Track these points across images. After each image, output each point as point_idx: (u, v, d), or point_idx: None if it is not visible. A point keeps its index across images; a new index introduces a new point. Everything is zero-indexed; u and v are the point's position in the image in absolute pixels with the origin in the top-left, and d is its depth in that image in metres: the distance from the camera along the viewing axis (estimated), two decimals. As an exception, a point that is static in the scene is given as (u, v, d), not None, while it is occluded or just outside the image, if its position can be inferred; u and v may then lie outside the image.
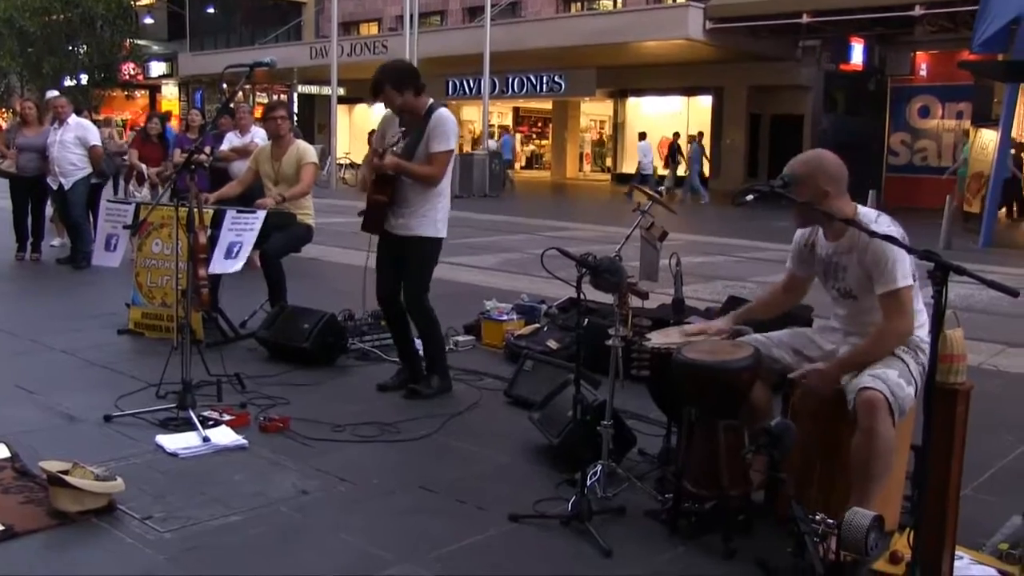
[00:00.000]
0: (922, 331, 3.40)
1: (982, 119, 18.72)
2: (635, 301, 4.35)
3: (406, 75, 4.91)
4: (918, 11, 18.87)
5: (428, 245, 5.01)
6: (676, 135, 25.04)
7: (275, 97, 32.55)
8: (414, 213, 4.95)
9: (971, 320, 7.56)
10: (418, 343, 6.00)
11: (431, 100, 4.98)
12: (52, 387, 5.04)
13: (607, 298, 3.91)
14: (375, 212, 4.97)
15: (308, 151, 6.68)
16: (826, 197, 3.37)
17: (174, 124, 20.30)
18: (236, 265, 5.91)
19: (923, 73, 22.92)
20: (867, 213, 3.43)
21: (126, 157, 11.22)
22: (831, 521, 2.98)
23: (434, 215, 4.98)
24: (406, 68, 5.03)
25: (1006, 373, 6.21)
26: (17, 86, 34.54)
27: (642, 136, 25.43)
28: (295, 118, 27.59)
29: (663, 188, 20.90)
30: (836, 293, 3.55)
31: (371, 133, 5.19)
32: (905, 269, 3.27)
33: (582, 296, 3.63)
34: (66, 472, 3.37)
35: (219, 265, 5.81)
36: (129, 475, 3.63)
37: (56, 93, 10.14)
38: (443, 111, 4.96)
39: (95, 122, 13.37)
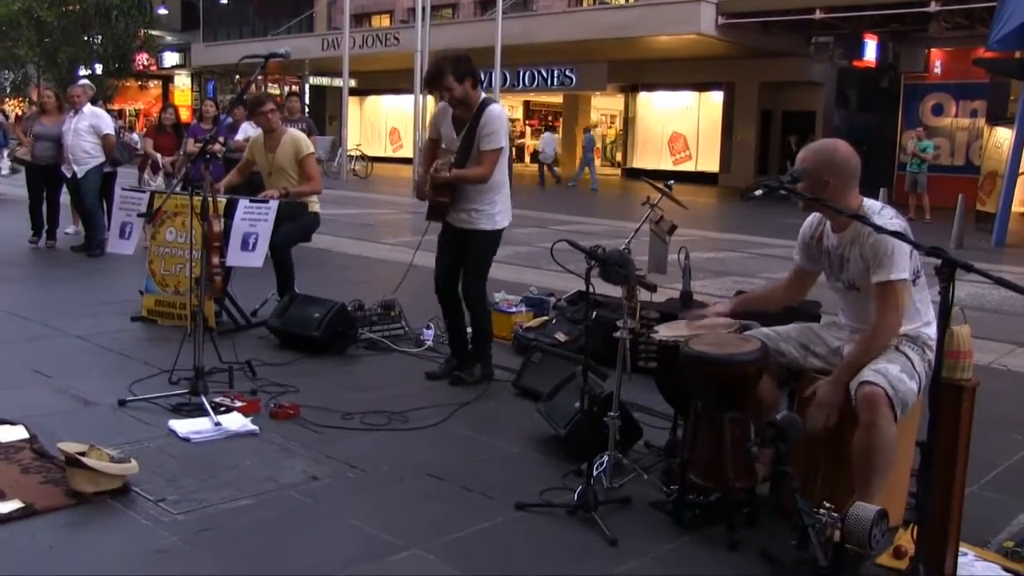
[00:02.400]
0: (929, 328, 3.41)
1: (997, 117, 18.64)
2: (643, 294, 4.38)
3: (466, 64, 4.97)
4: (933, 7, 18.79)
5: (487, 237, 5.18)
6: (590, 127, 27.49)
7: (286, 89, 32.58)
8: (474, 208, 5.11)
9: (982, 319, 7.58)
10: (428, 333, 6.09)
11: (484, 95, 5.08)
12: (68, 372, 5.11)
13: (615, 291, 3.95)
14: (440, 208, 5.15)
15: (303, 142, 6.59)
16: (826, 187, 3.36)
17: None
18: (257, 260, 5.94)
19: (937, 70, 22.82)
20: (872, 205, 3.43)
21: (138, 148, 11.30)
22: (835, 514, 3.01)
23: (492, 209, 5.14)
24: (466, 57, 5.05)
25: (1016, 372, 6.22)
26: (34, 76, 34.74)
27: (548, 128, 27.87)
28: (307, 110, 27.65)
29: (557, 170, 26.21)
30: (841, 286, 3.55)
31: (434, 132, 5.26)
32: (902, 263, 3.27)
33: (591, 288, 3.67)
34: (83, 454, 3.43)
35: (237, 258, 5.86)
36: (143, 458, 3.68)
37: (86, 82, 10.23)
38: (494, 107, 5.05)
39: (109, 112, 13.44)
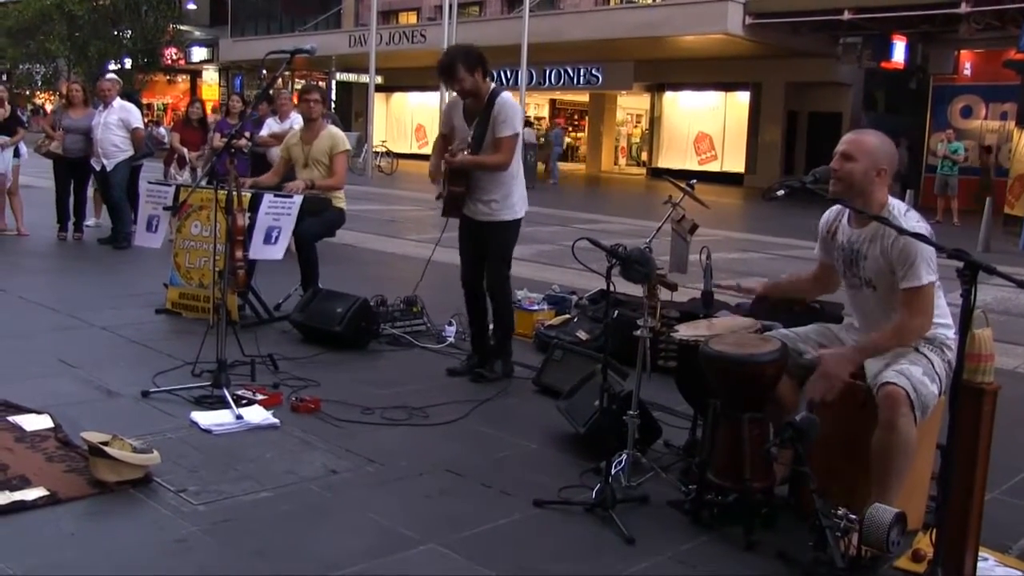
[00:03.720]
0: (949, 330, 3.39)
1: (1028, 120, 18.43)
2: (665, 294, 4.38)
3: (476, 56, 5.01)
4: (964, 8, 18.58)
5: (508, 228, 5.19)
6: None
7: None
8: (492, 199, 5.11)
9: (1008, 323, 7.52)
10: (449, 330, 6.11)
11: (495, 85, 5.10)
12: (92, 362, 5.17)
13: (638, 290, 3.95)
14: (454, 200, 5.14)
15: (340, 138, 6.73)
16: (879, 175, 3.38)
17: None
18: (277, 252, 6.00)
19: (967, 72, 22.57)
20: (897, 205, 3.42)
21: (165, 142, 11.40)
22: (853, 516, 3.01)
23: (511, 199, 5.15)
24: (475, 49, 5.11)
25: (1041, 377, 6.14)
26: (64, 70, 35.14)
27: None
28: (332, 105, 27.76)
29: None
30: (856, 282, 3.53)
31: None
32: (931, 266, 3.27)
33: (612, 287, 3.67)
34: (106, 443, 3.47)
35: (259, 251, 5.91)
36: (165, 449, 3.73)
37: (113, 76, 10.33)
38: (506, 95, 5.06)
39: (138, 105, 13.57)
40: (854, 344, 3.42)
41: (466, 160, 5.02)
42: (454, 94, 5.19)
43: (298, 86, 30.79)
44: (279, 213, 6.01)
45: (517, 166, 5.18)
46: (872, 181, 3.37)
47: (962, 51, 22.20)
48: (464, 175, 5.09)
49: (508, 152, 5.02)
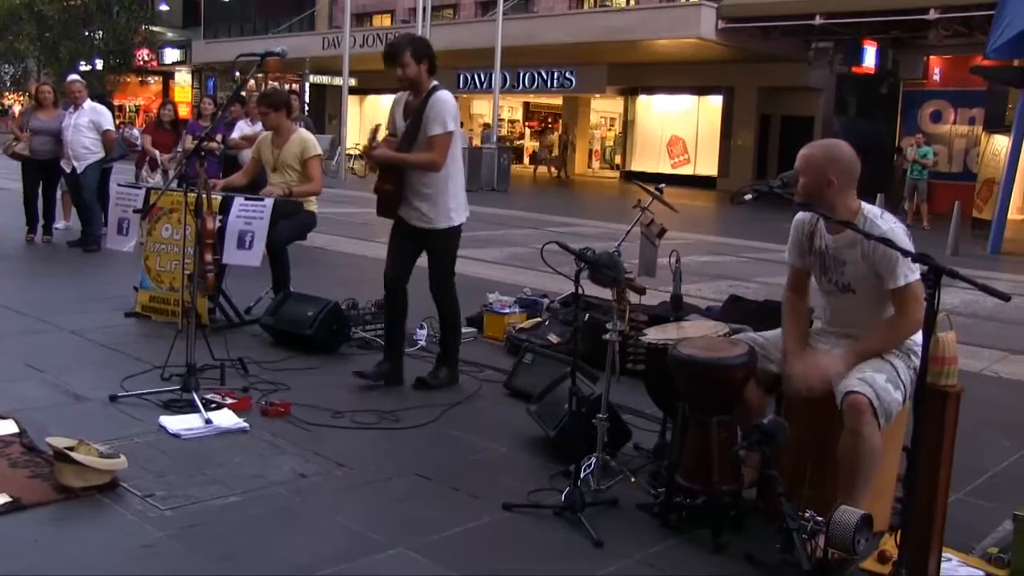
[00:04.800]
0: (917, 334, 3.42)
1: (995, 125, 18.67)
2: (635, 297, 4.40)
3: (426, 46, 4.91)
4: (932, 15, 18.84)
5: (446, 235, 5.03)
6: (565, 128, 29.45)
7: (285, 87, 32.57)
8: (426, 203, 4.92)
9: (974, 326, 7.61)
10: (420, 333, 6.10)
11: (435, 83, 4.92)
12: (60, 366, 5.11)
13: (609, 294, 3.96)
14: (385, 199, 4.96)
15: (311, 143, 6.59)
16: (829, 187, 3.37)
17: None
18: (254, 259, 5.95)
19: (936, 77, 22.88)
20: (871, 210, 3.43)
21: (137, 144, 11.30)
22: (820, 518, 3.03)
23: (447, 203, 4.95)
24: (426, 40, 5.03)
25: (1006, 379, 6.23)
26: (34, 70, 34.78)
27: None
28: (306, 108, 27.66)
29: None
30: (833, 287, 3.53)
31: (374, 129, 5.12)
32: (911, 265, 3.26)
33: (581, 290, 3.68)
34: (72, 449, 3.44)
35: (233, 256, 5.87)
36: (132, 454, 3.70)
37: (77, 77, 10.21)
38: (442, 93, 4.88)
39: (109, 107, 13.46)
40: (849, 347, 3.41)
41: (389, 155, 4.82)
42: (402, 93, 5.02)
43: (272, 87, 30.69)
44: (251, 217, 5.97)
45: (455, 169, 4.98)
46: (824, 193, 3.37)
47: (931, 57, 22.50)
48: (394, 172, 4.88)
49: (440, 151, 4.81)
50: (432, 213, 4.95)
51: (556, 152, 30.72)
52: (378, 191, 4.96)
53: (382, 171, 4.93)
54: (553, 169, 30.52)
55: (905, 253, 3.04)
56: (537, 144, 31.54)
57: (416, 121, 4.85)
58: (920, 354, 2.85)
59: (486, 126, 31.46)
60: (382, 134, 5.00)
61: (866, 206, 3.45)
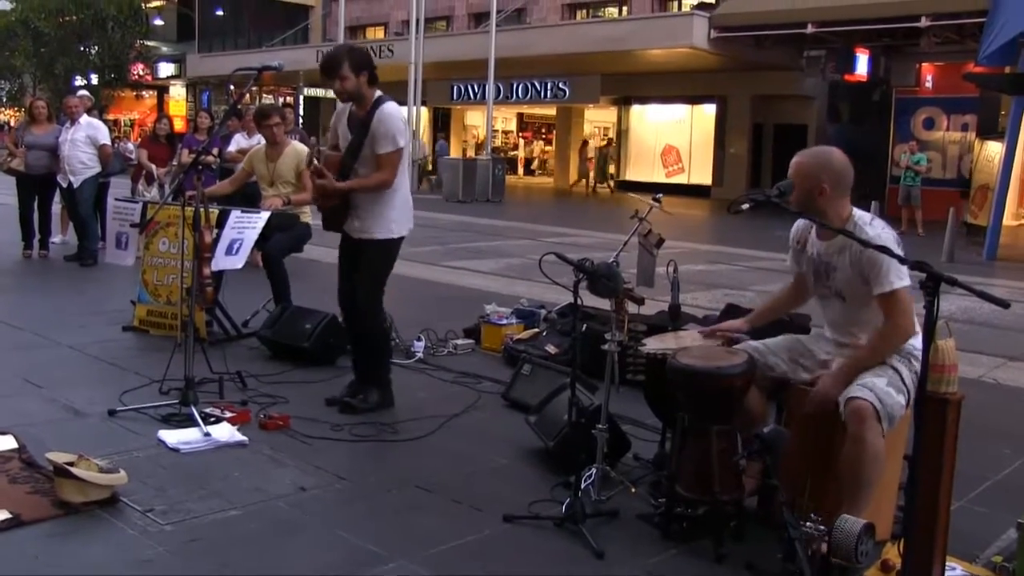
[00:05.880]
0: (916, 340, 3.43)
1: (988, 131, 18.73)
2: (633, 307, 4.40)
3: (364, 57, 4.70)
4: (924, 23, 18.91)
5: (381, 247, 4.81)
6: (609, 140, 28.49)
7: (280, 100, 32.62)
8: (369, 214, 4.77)
9: (973, 333, 7.61)
10: (418, 345, 6.09)
11: (380, 93, 4.74)
12: (58, 381, 5.10)
13: (606, 304, 3.97)
14: (332, 213, 4.81)
15: (305, 154, 6.63)
16: (822, 194, 3.40)
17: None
18: (237, 262, 5.97)
19: (928, 84, 22.94)
20: (862, 216, 3.45)
21: (132, 158, 11.31)
22: (822, 527, 3.03)
23: (388, 214, 4.77)
24: (365, 51, 4.82)
25: (1005, 386, 6.24)
26: (30, 86, 34.79)
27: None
28: (300, 121, 27.67)
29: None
30: (827, 292, 3.56)
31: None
32: (900, 270, 3.27)
33: (580, 301, 3.68)
34: (72, 464, 3.43)
35: (220, 262, 5.87)
36: (132, 468, 3.69)
37: (84, 93, 10.24)
38: (389, 106, 4.70)
39: (105, 122, 13.47)
40: (842, 363, 3.43)
41: (339, 187, 4.64)
42: (345, 104, 4.85)
43: (267, 101, 30.76)
44: (244, 227, 5.98)
45: (400, 181, 4.80)
46: (815, 200, 3.40)
47: (923, 64, 22.56)
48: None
49: (390, 170, 4.67)
50: (370, 222, 4.77)
51: (593, 165, 29.20)
52: (323, 207, 4.82)
53: (323, 193, 4.75)
54: (589, 183, 28.87)
55: (901, 260, 3.05)
56: (577, 158, 30.19)
57: (361, 134, 4.69)
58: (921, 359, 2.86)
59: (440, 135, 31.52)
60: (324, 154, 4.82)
61: (857, 212, 3.48)
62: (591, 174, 28.89)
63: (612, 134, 31.52)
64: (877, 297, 3.34)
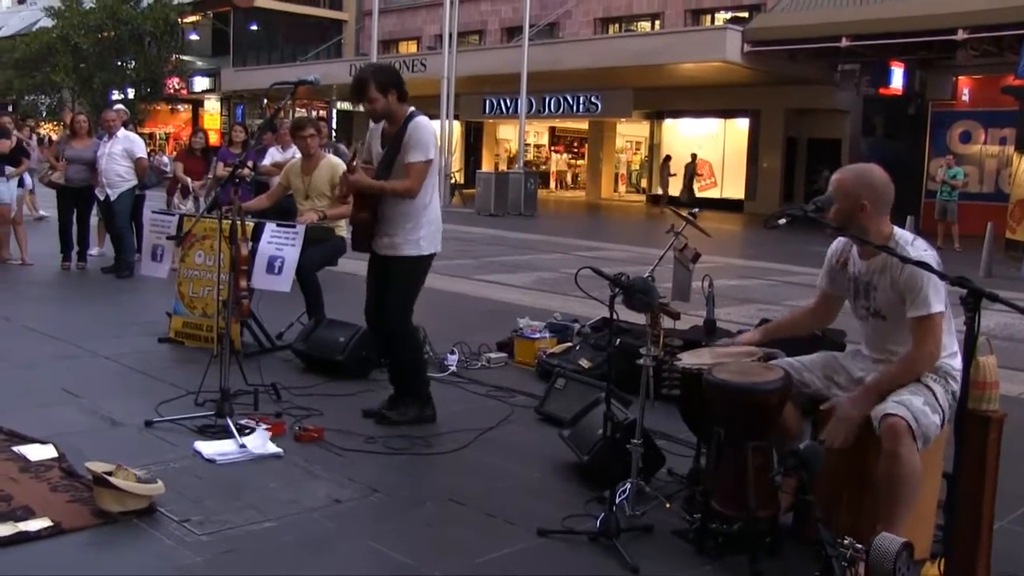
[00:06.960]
0: (954, 359, 3.38)
1: (1027, 145, 18.47)
2: (667, 322, 4.38)
3: (391, 76, 4.74)
4: (961, 35, 18.71)
5: (410, 264, 4.81)
6: (693, 156, 26.40)
7: (314, 114, 32.91)
8: (397, 231, 4.76)
9: (1012, 349, 7.50)
10: (451, 359, 6.10)
11: (412, 108, 4.80)
12: (96, 392, 5.17)
13: (639, 318, 3.96)
14: (361, 230, 4.81)
15: (340, 167, 6.56)
16: (863, 211, 3.38)
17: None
18: (284, 284, 5.99)
19: (965, 98, 22.68)
20: (903, 235, 3.43)
21: (168, 171, 11.46)
22: (859, 546, 2.99)
23: (417, 232, 4.77)
24: (391, 69, 4.88)
25: (1044, 403, 6.12)
26: (69, 100, 35.38)
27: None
28: (334, 134, 27.90)
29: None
30: (865, 312, 3.54)
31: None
32: (939, 295, 3.26)
33: (614, 315, 3.67)
34: (110, 473, 3.48)
35: (262, 281, 5.92)
36: (168, 479, 3.72)
37: (121, 107, 10.42)
38: (421, 119, 4.75)
39: (140, 135, 13.67)
40: (866, 384, 3.41)
41: (365, 181, 4.65)
42: (377, 124, 4.90)
43: (300, 115, 31.06)
44: (282, 243, 6.03)
45: (429, 197, 4.81)
46: (857, 217, 3.38)
47: (960, 77, 22.32)
48: (370, 199, 4.73)
49: (416, 179, 4.66)
50: (399, 239, 4.77)
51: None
52: (354, 221, 4.82)
53: (357, 199, 4.79)
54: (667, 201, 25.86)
55: (942, 276, 3.02)
56: (658, 173, 28.46)
57: (395, 147, 4.72)
58: (959, 379, 2.82)
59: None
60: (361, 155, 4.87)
61: (898, 231, 3.45)
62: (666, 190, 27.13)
63: (644, 148, 31.43)
64: (911, 319, 3.31)
